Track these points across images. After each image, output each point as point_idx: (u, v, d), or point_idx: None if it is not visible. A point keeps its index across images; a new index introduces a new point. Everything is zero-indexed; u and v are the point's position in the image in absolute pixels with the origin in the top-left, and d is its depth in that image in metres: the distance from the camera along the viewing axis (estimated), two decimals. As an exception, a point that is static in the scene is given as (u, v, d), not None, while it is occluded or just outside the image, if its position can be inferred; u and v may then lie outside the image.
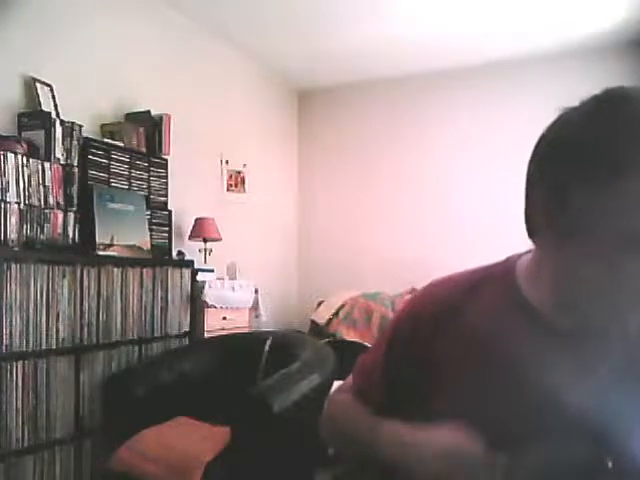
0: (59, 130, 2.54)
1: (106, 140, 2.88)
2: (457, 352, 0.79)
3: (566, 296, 0.72)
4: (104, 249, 2.65)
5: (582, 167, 0.65)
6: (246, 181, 4.35)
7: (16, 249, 2.27)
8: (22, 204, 2.34)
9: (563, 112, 0.69)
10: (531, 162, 0.72)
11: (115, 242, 2.71)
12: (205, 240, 3.57)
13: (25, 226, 2.35)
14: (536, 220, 0.71)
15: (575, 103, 0.68)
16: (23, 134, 2.53)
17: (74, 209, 2.59)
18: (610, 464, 0.69)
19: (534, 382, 0.73)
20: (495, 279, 0.81)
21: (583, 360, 0.73)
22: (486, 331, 0.77)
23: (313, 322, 4.26)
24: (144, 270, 2.78)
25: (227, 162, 4.16)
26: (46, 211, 2.45)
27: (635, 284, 0.65)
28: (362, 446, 0.86)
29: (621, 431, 0.69)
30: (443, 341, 0.80)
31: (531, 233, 0.74)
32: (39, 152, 2.49)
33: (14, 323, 2.15)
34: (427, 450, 0.75)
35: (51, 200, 2.48)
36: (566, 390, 0.72)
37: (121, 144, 2.93)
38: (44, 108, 2.59)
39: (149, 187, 3.09)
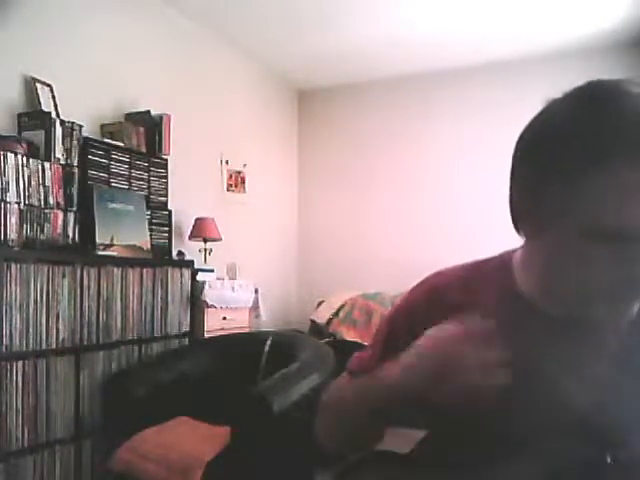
0: (59, 130, 2.54)
1: (106, 140, 2.88)
2: None
3: (551, 286, 0.73)
4: (104, 249, 2.65)
5: (556, 159, 0.66)
6: (246, 181, 4.35)
7: (16, 249, 2.27)
8: (22, 204, 2.34)
9: (545, 106, 0.71)
10: (515, 154, 0.73)
11: (115, 242, 2.71)
12: (205, 240, 3.57)
13: (25, 226, 2.35)
14: (519, 211, 0.73)
15: (556, 96, 0.70)
16: (23, 134, 2.53)
17: (74, 209, 2.59)
18: (609, 459, 0.69)
19: (532, 374, 0.73)
20: (491, 272, 0.82)
21: (579, 351, 0.73)
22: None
23: (313, 322, 4.26)
24: (144, 270, 2.78)
25: (227, 162, 4.16)
26: (46, 211, 2.45)
27: (603, 275, 0.65)
28: (354, 412, 0.83)
29: (620, 425, 0.69)
30: None
31: (515, 224, 0.75)
32: (39, 152, 2.49)
33: (14, 323, 2.15)
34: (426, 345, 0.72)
35: (51, 200, 2.48)
36: (562, 382, 0.72)
37: (121, 144, 2.93)
38: (44, 108, 2.59)
39: (149, 187, 3.09)
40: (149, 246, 2.93)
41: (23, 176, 2.35)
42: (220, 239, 3.61)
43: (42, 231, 2.42)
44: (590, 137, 0.63)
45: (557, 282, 0.71)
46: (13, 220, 2.30)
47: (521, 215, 0.72)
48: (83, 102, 2.91)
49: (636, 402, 0.70)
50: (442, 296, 0.82)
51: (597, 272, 0.65)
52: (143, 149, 3.09)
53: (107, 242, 2.68)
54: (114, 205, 2.77)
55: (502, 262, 0.82)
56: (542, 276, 0.74)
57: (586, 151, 0.63)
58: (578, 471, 0.70)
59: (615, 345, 0.73)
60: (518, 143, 0.73)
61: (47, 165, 2.46)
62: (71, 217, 2.57)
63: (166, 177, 3.22)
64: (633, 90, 0.64)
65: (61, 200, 2.53)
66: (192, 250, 3.47)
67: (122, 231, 2.77)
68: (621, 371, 0.72)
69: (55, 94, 2.68)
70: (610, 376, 0.72)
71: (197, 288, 3.18)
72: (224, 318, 3.36)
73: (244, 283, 3.62)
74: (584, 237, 0.64)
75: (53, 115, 2.58)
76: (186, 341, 3.04)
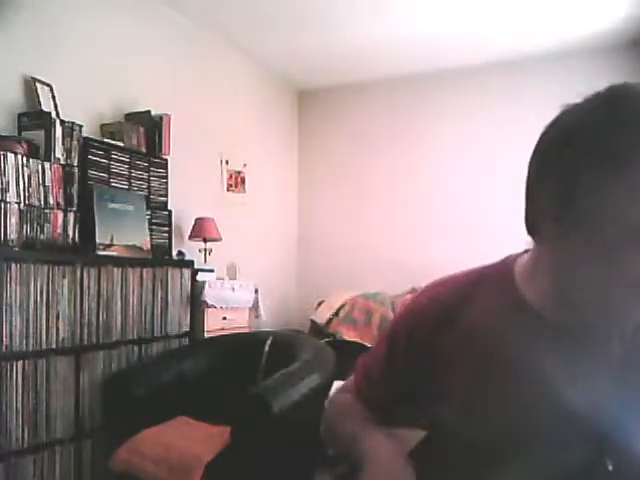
0: (59, 130, 2.54)
1: (106, 140, 2.88)
2: (456, 352, 0.79)
3: (566, 292, 0.72)
4: (104, 249, 2.65)
5: (589, 162, 0.65)
6: (246, 181, 4.35)
7: (16, 249, 2.27)
8: (22, 204, 2.34)
9: (565, 109, 0.70)
10: (534, 158, 0.72)
11: (115, 242, 2.71)
12: (205, 240, 3.57)
13: (25, 226, 2.35)
14: (538, 216, 0.71)
15: (576, 100, 0.69)
16: (23, 134, 2.53)
17: (74, 209, 2.59)
18: (610, 466, 0.69)
19: (534, 381, 0.73)
20: (493, 279, 0.81)
21: (582, 358, 0.73)
22: (485, 331, 0.78)
23: (313, 322, 4.26)
24: (144, 270, 2.78)
25: (227, 162, 4.16)
26: (46, 211, 2.45)
27: (635, 276, 0.64)
28: (348, 450, 0.86)
29: (621, 432, 0.69)
30: (442, 342, 0.80)
31: (531, 230, 0.74)
32: (39, 152, 2.48)
33: (14, 323, 2.15)
34: None
35: (51, 200, 2.48)
36: (565, 389, 0.72)
37: (121, 144, 2.93)
38: (44, 108, 2.59)
39: (149, 187, 3.09)
40: (149, 246, 2.93)
41: (23, 176, 2.35)
42: (220, 239, 3.61)
43: (42, 231, 2.42)
44: (621, 139, 0.63)
45: (574, 284, 0.70)
46: (13, 220, 2.30)
47: (547, 219, 0.70)
48: (83, 102, 2.91)
49: (637, 409, 0.70)
50: (443, 308, 0.82)
51: (628, 271, 0.64)
52: (143, 149, 3.09)
53: (107, 242, 2.67)
54: (114, 205, 2.77)
55: (504, 269, 0.81)
56: (557, 283, 0.72)
57: (615, 154, 0.63)
58: (579, 477, 0.70)
59: (620, 351, 0.73)
60: (541, 144, 0.71)
61: (47, 165, 2.46)
62: (71, 217, 2.57)
63: (166, 177, 3.22)
64: None
65: (61, 200, 2.53)
66: (192, 250, 3.47)
67: (122, 231, 2.77)
68: (625, 377, 0.72)
69: (55, 94, 2.68)
70: (613, 382, 0.71)
71: (197, 288, 3.18)
72: (224, 318, 3.36)
73: (244, 283, 3.62)
74: (624, 237, 0.63)
75: (53, 115, 2.58)
76: (186, 341, 3.04)
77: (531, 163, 0.72)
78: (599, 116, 0.66)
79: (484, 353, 0.77)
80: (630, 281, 0.65)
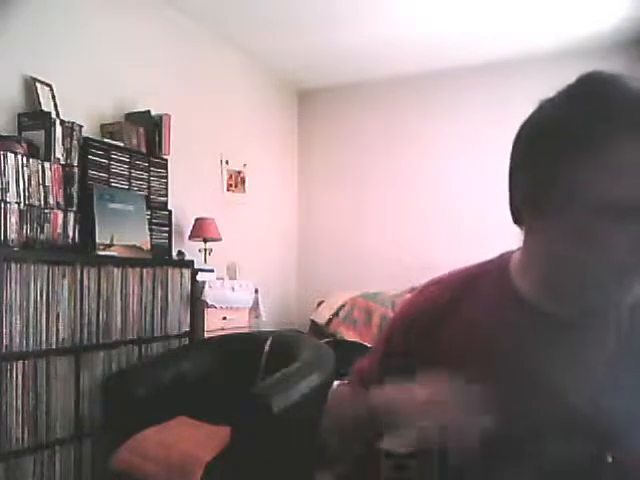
0: (59, 130, 2.54)
1: (106, 140, 2.88)
2: (454, 349, 0.79)
3: (555, 279, 0.73)
4: (104, 249, 2.65)
5: (564, 146, 0.67)
6: (246, 181, 4.35)
7: (16, 249, 2.27)
8: (22, 204, 2.34)
9: (541, 103, 0.73)
10: (514, 149, 0.75)
11: (115, 242, 2.71)
12: (205, 240, 3.57)
13: (25, 226, 2.35)
14: (522, 204, 0.74)
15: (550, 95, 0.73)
16: (23, 134, 2.53)
17: (74, 209, 2.59)
18: (610, 458, 0.69)
19: (533, 375, 0.73)
20: (489, 275, 0.82)
21: (580, 350, 0.73)
22: (482, 326, 0.78)
23: (313, 322, 4.26)
24: (144, 270, 2.78)
25: (227, 162, 4.16)
26: (46, 211, 2.45)
27: (623, 254, 0.65)
28: (353, 425, 0.85)
29: (620, 424, 0.69)
30: (440, 338, 0.80)
31: (517, 219, 0.76)
32: (39, 152, 2.48)
33: (14, 323, 2.15)
34: (410, 401, 0.74)
35: (51, 200, 2.48)
36: (564, 381, 0.72)
37: (121, 144, 2.93)
38: (44, 108, 2.59)
39: (149, 187, 3.09)
40: (149, 246, 2.93)
41: (23, 176, 2.35)
42: (220, 239, 3.61)
43: (42, 231, 2.42)
44: (594, 123, 0.65)
45: (562, 270, 0.71)
46: (13, 220, 2.30)
47: (530, 206, 0.72)
48: (83, 102, 2.91)
49: (637, 400, 0.70)
50: (440, 305, 0.83)
51: (609, 249, 0.66)
52: (143, 149, 3.09)
53: (107, 242, 2.67)
54: (114, 205, 2.77)
55: (499, 265, 0.82)
56: (546, 271, 0.73)
57: (590, 137, 0.65)
58: (579, 470, 0.70)
59: (617, 342, 0.73)
60: (521, 136, 0.74)
61: (47, 165, 2.46)
62: (71, 217, 2.57)
63: (166, 177, 3.22)
64: (624, 76, 0.68)
65: (61, 200, 2.53)
66: (192, 250, 3.47)
67: (122, 231, 2.77)
68: (622, 369, 0.72)
69: (55, 94, 2.68)
70: (611, 374, 0.72)
71: (197, 288, 3.18)
72: (224, 318, 3.36)
73: (244, 283, 3.62)
74: (597, 215, 0.65)
75: (53, 115, 2.58)
76: (186, 341, 3.04)
77: (512, 154, 0.75)
78: (572, 104, 0.69)
79: (482, 349, 0.77)
80: (615, 262, 0.66)
